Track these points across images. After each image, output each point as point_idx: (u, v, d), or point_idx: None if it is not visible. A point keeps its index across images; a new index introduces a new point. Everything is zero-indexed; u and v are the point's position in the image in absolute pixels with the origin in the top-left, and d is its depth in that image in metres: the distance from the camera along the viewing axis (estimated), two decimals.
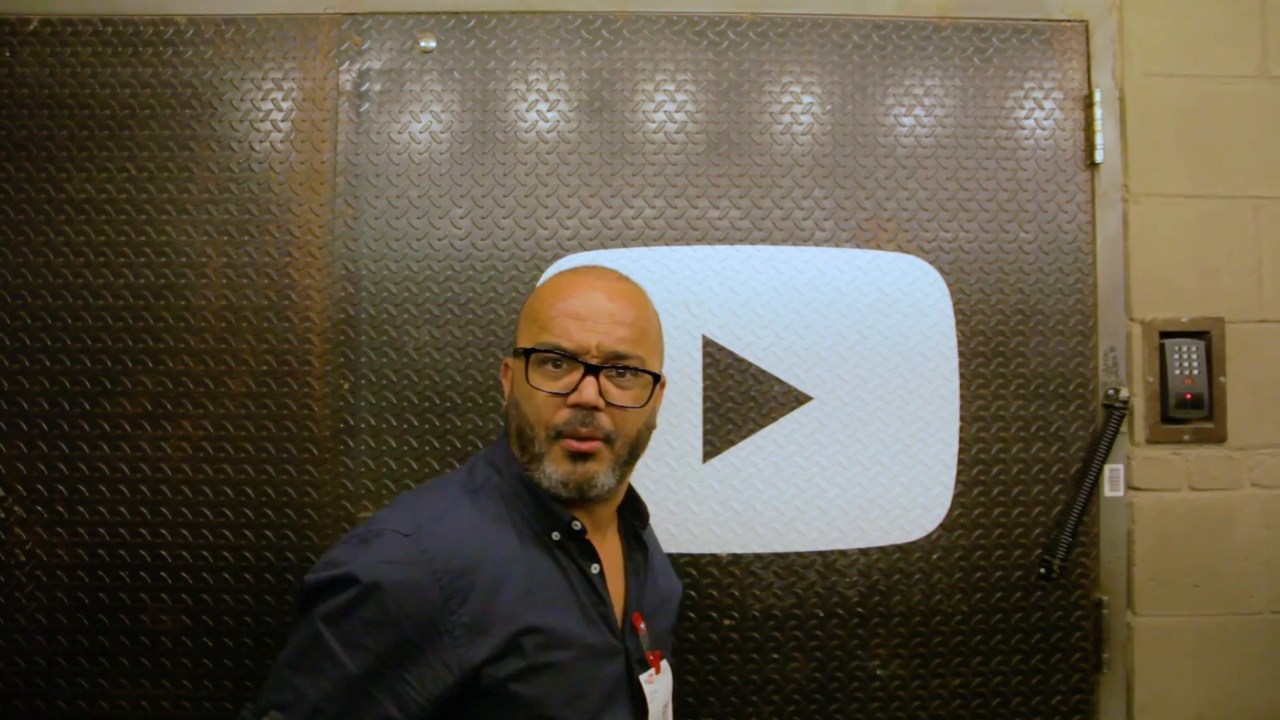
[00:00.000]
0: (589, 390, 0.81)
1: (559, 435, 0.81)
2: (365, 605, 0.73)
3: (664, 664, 0.91)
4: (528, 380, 0.82)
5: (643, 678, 0.86)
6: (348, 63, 1.28)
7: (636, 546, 0.95)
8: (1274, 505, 1.32)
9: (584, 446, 0.81)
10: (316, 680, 0.72)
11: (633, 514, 0.95)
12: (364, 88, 1.28)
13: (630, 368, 0.83)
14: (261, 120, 1.27)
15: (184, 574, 1.23)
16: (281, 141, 1.27)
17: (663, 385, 0.89)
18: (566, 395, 0.81)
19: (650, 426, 0.89)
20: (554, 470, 0.82)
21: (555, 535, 0.84)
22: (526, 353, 0.83)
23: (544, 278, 1.25)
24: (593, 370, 0.81)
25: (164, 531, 1.23)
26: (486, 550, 0.79)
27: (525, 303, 0.91)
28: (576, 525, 0.84)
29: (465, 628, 0.75)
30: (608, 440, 0.82)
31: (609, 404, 0.82)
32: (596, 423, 0.81)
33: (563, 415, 0.81)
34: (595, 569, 0.85)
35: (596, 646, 0.83)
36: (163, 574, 1.23)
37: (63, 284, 1.25)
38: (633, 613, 0.88)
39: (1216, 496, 1.32)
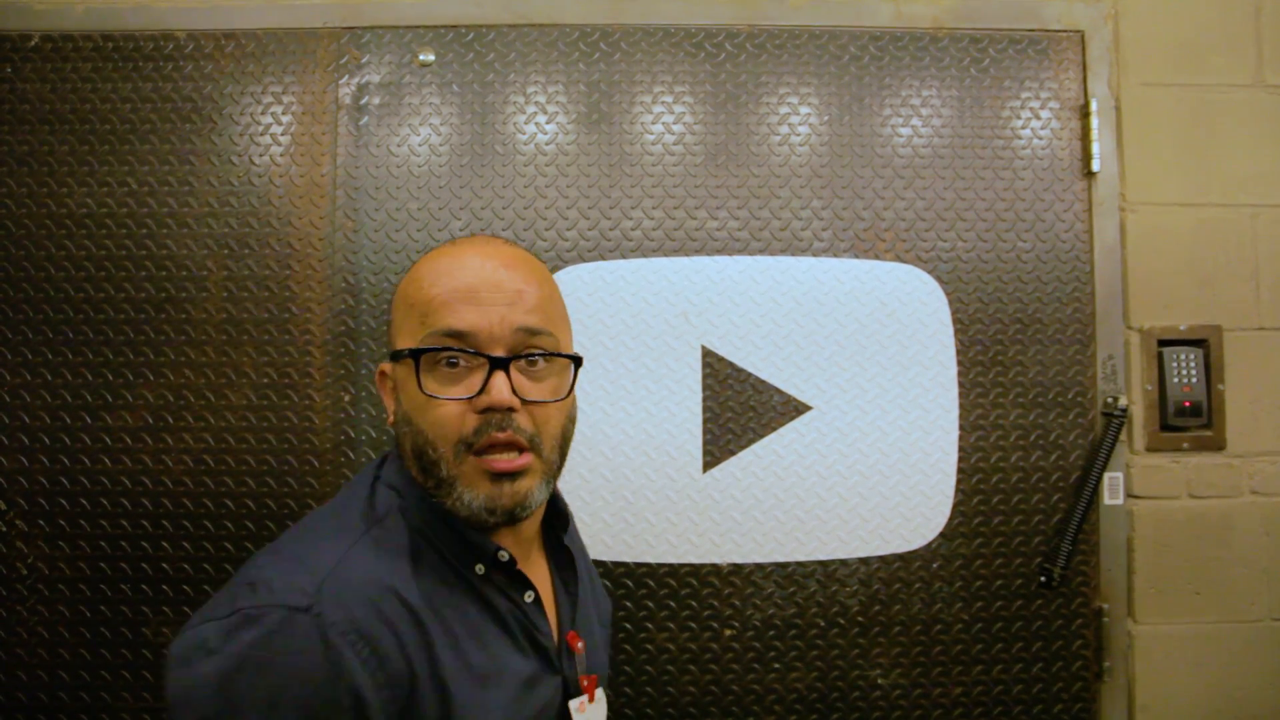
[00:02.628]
0: (501, 389, 0.65)
1: (470, 449, 0.66)
2: (261, 689, 0.56)
3: (599, 693, 0.78)
4: (421, 389, 0.66)
5: (573, 705, 0.73)
6: (347, 76, 1.29)
7: (561, 555, 0.79)
8: (1274, 513, 1.32)
9: (508, 464, 0.66)
10: None
11: (553, 515, 0.79)
12: (363, 101, 1.28)
13: (544, 352, 0.68)
14: (261, 134, 1.28)
15: (185, 587, 1.23)
16: (281, 155, 1.28)
17: (578, 367, 0.73)
18: (472, 399, 0.65)
19: (572, 419, 0.74)
20: (472, 497, 0.66)
21: (479, 569, 0.69)
22: (415, 354, 0.66)
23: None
24: (500, 364, 0.65)
25: (165, 544, 1.23)
26: (401, 596, 0.63)
27: (396, 291, 0.73)
28: (504, 556, 0.69)
29: (389, 689, 0.60)
30: (533, 447, 0.67)
31: (525, 401, 0.67)
32: (516, 425, 0.66)
33: (471, 423, 0.65)
34: (530, 596, 0.72)
35: (529, 677, 0.70)
36: (164, 587, 1.23)
37: (64, 298, 1.25)
38: (567, 632, 0.76)
39: (1216, 504, 1.32)
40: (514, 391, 0.66)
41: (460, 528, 0.68)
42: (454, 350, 0.66)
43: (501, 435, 0.65)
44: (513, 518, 0.68)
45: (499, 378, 0.65)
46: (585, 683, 0.75)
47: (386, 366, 0.73)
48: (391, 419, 0.72)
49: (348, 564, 0.63)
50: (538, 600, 0.73)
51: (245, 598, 0.59)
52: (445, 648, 0.64)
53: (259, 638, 0.57)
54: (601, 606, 0.89)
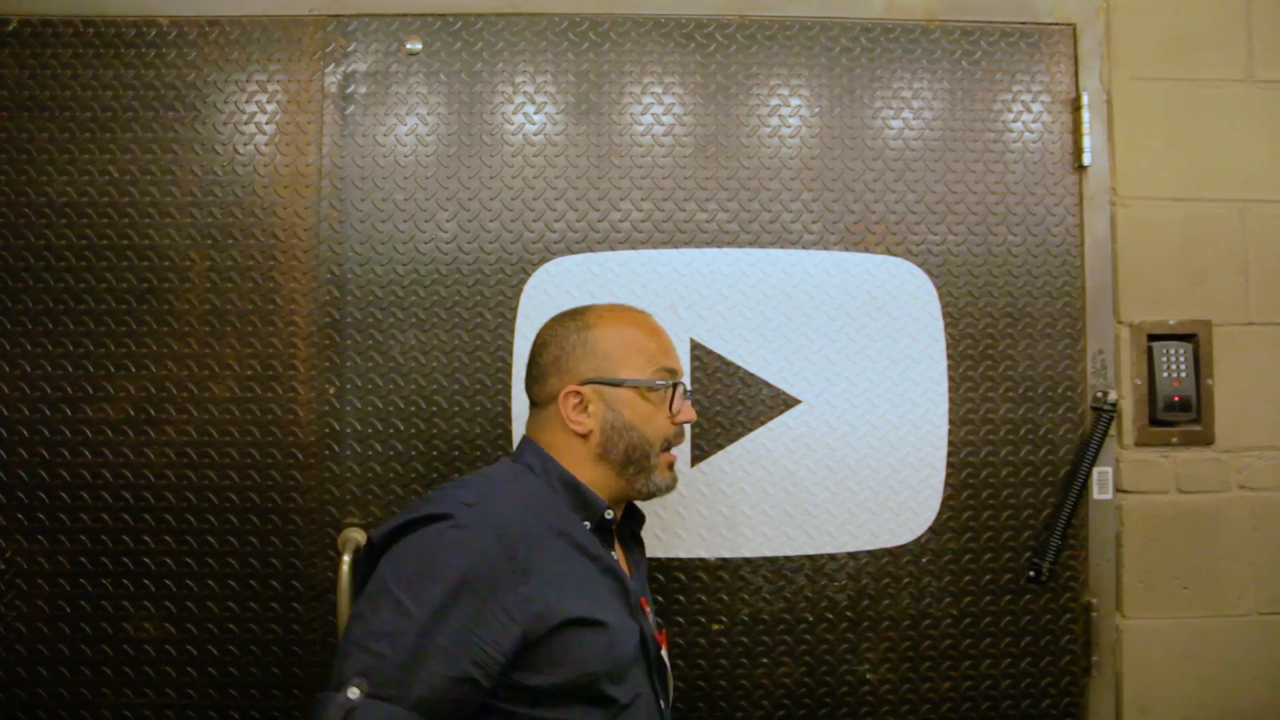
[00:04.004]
0: (692, 409, 1.00)
1: (667, 448, 0.97)
2: (433, 562, 0.79)
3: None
4: (670, 409, 0.97)
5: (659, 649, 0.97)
6: (333, 65, 1.27)
7: (634, 543, 1.06)
8: (1262, 507, 1.32)
9: (673, 457, 0.99)
10: (394, 641, 0.75)
11: (629, 515, 1.05)
12: (349, 90, 1.27)
13: (688, 385, 1.03)
14: (246, 123, 1.26)
15: (167, 581, 1.21)
16: (266, 144, 1.26)
17: None
18: (676, 413, 0.97)
19: None
20: (662, 478, 0.97)
21: (586, 523, 0.92)
22: (671, 385, 0.97)
23: (531, 283, 1.25)
24: (688, 394, 1.01)
25: (147, 538, 1.22)
26: (534, 520, 0.87)
27: (606, 337, 0.97)
28: (609, 515, 0.94)
29: (523, 575, 0.81)
30: None
31: None
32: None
33: (672, 429, 0.97)
34: (613, 555, 0.95)
35: (620, 621, 0.88)
36: (146, 581, 1.21)
37: (43, 288, 1.23)
38: (639, 598, 0.95)
39: (1205, 499, 1.32)
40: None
41: (583, 490, 0.93)
42: (678, 382, 0.98)
43: (679, 439, 1.00)
44: (668, 491, 0.99)
45: (688, 402, 1.00)
46: (657, 635, 0.97)
47: (585, 390, 0.96)
48: (585, 429, 0.95)
49: (496, 493, 0.89)
50: (619, 562, 0.96)
51: (422, 506, 0.86)
52: (562, 564, 0.86)
53: (443, 516, 0.83)
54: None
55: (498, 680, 0.79)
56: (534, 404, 0.99)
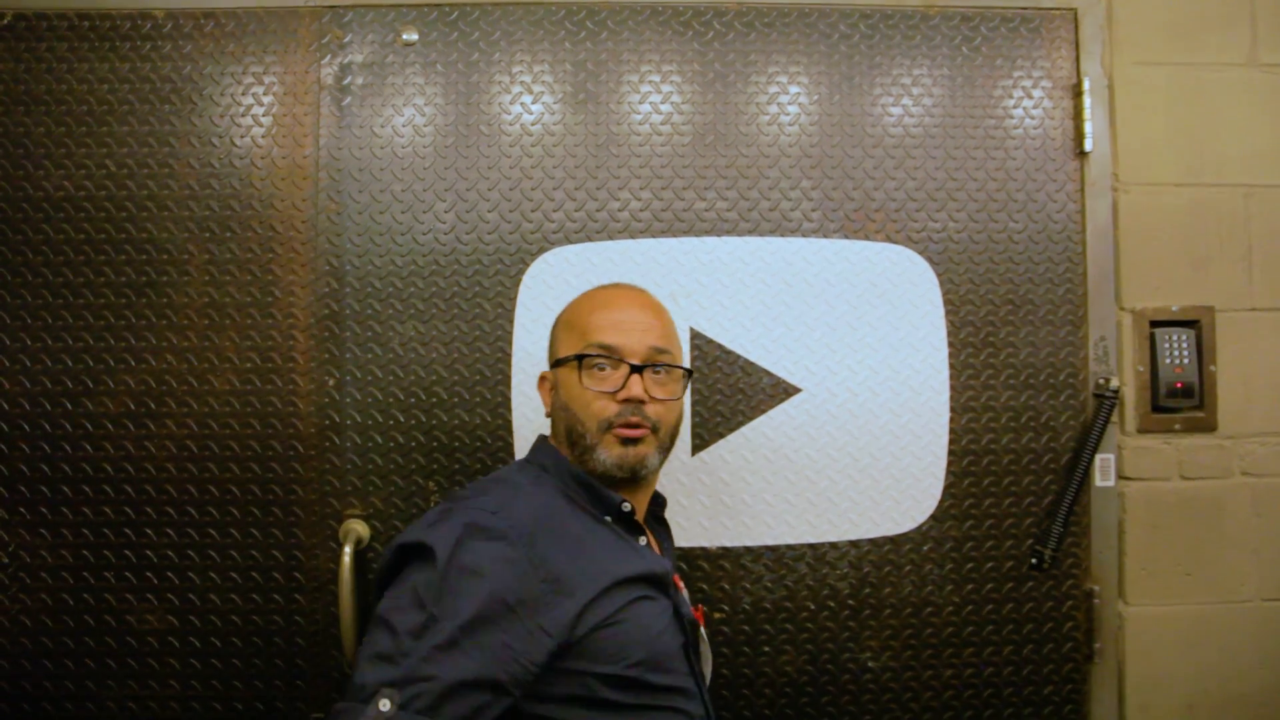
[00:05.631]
0: (636, 386, 0.91)
1: (609, 427, 0.91)
2: (462, 575, 0.78)
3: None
4: (581, 383, 0.92)
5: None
6: (329, 56, 1.26)
7: (660, 527, 1.08)
8: (1264, 494, 1.32)
9: (633, 433, 0.91)
10: (423, 654, 0.74)
11: (653, 501, 1.05)
12: (346, 81, 1.26)
13: (666, 364, 0.94)
14: (242, 115, 1.26)
15: (170, 574, 1.22)
16: (263, 136, 1.26)
17: (689, 377, 1.01)
18: (615, 393, 0.91)
19: (680, 416, 1.00)
20: (607, 455, 0.91)
21: (607, 518, 0.92)
22: (579, 358, 0.92)
23: (530, 273, 1.25)
24: (636, 369, 0.92)
25: (149, 531, 1.22)
26: (559, 523, 0.87)
27: (557, 319, 1.01)
28: (626, 507, 0.93)
29: (552, 582, 0.80)
30: (654, 430, 0.93)
31: (651, 398, 0.92)
32: (644, 414, 0.92)
33: (612, 409, 0.91)
34: (643, 541, 0.95)
35: (651, 594, 0.89)
36: (148, 574, 1.22)
37: (42, 283, 1.23)
38: (672, 575, 0.96)
39: (1207, 485, 1.32)
40: (644, 390, 0.91)
41: (596, 486, 0.92)
42: (604, 357, 0.92)
43: (633, 419, 0.91)
44: (634, 474, 0.92)
45: (635, 378, 0.91)
46: (694, 612, 0.97)
47: (547, 373, 1.00)
48: (548, 411, 0.99)
49: (518, 499, 0.87)
50: (649, 546, 0.95)
51: (445, 515, 0.84)
52: (598, 555, 0.85)
53: (467, 529, 0.82)
54: None
55: (528, 690, 0.78)
56: None
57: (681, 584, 1.00)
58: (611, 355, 0.92)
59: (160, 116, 1.25)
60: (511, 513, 0.84)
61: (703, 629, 0.98)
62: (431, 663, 0.73)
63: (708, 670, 1.00)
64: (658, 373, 0.94)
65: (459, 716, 0.73)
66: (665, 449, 0.96)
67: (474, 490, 0.92)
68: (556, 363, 0.97)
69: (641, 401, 0.91)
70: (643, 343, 0.93)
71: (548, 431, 1.01)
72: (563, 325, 0.99)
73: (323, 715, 1.21)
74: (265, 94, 1.26)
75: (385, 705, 0.71)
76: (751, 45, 1.30)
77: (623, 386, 0.91)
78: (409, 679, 0.73)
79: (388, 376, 1.24)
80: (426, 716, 0.72)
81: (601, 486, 0.92)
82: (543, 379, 1.02)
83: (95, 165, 1.24)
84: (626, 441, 0.91)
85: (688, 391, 1.24)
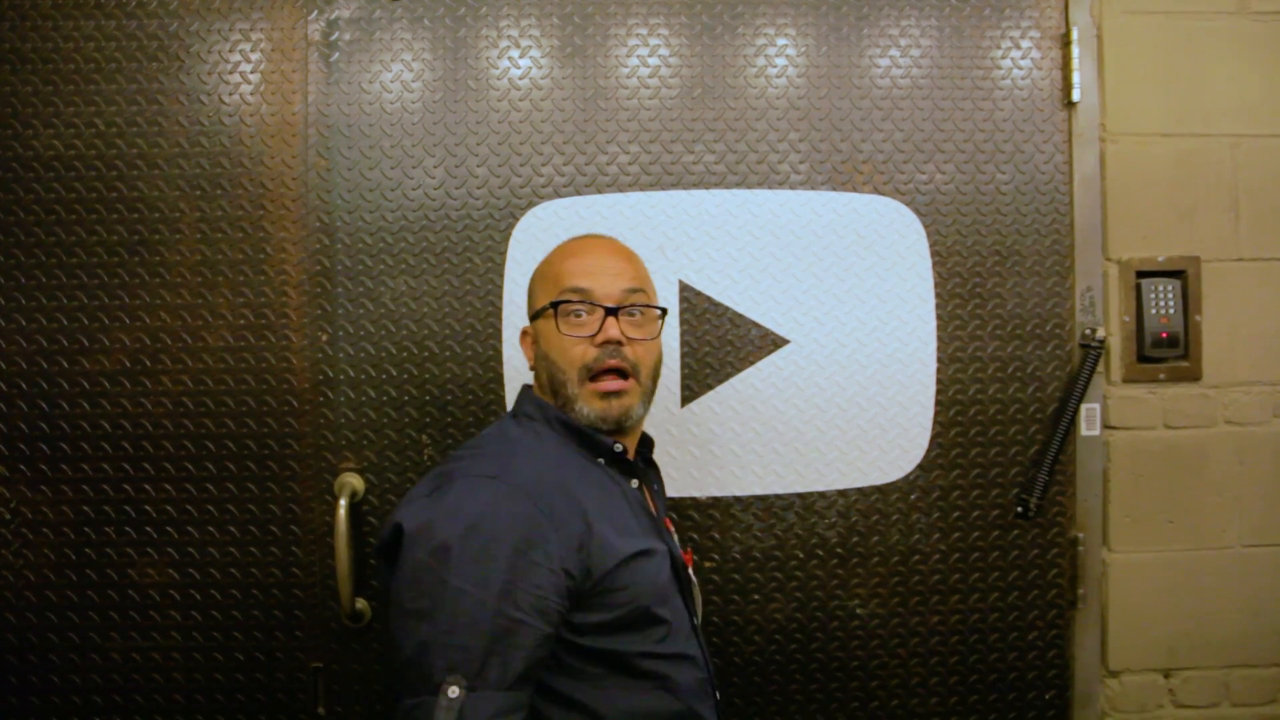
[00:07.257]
0: (613, 328, 0.91)
1: (590, 375, 0.91)
2: (486, 546, 0.78)
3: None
4: (558, 330, 0.92)
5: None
6: (316, 12, 1.26)
7: (648, 467, 1.08)
8: (1247, 442, 1.34)
9: (613, 387, 0.91)
10: (473, 630, 0.74)
11: (642, 441, 1.06)
12: (333, 37, 1.26)
13: (640, 305, 0.95)
14: (230, 72, 1.26)
15: (169, 528, 1.24)
16: (251, 93, 1.26)
17: (664, 316, 1.01)
18: (593, 337, 0.91)
19: (660, 357, 1.01)
20: (589, 409, 0.91)
21: (600, 460, 0.94)
22: (554, 305, 0.93)
23: (519, 228, 1.25)
24: (611, 311, 0.92)
25: (147, 487, 1.24)
26: (558, 473, 0.87)
27: (533, 274, 1.01)
28: (619, 448, 0.94)
29: (565, 528, 0.82)
30: (634, 373, 0.93)
31: (629, 339, 0.92)
32: (623, 355, 0.92)
33: (591, 354, 0.91)
34: (634, 484, 0.96)
35: (653, 547, 0.90)
36: (147, 528, 1.24)
37: (35, 242, 1.24)
38: (663, 519, 0.99)
39: (1191, 434, 1.33)
40: (621, 332, 0.91)
41: (585, 431, 0.93)
42: (578, 302, 0.92)
43: (612, 361, 0.91)
44: (620, 425, 0.93)
45: (610, 320, 0.92)
46: (685, 556, 0.99)
47: (527, 327, 1.00)
48: (531, 364, 0.99)
49: (516, 455, 0.88)
50: (641, 488, 0.97)
51: (445, 482, 0.85)
52: (597, 512, 0.86)
53: (472, 494, 0.83)
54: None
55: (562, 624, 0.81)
56: None
57: (672, 526, 1.02)
58: (586, 299, 0.92)
59: (148, 74, 1.25)
60: (512, 472, 0.84)
61: (690, 570, 1.00)
62: (483, 636, 0.74)
63: (699, 611, 1.02)
64: (633, 314, 0.94)
65: (521, 674, 0.75)
66: (649, 393, 0.97)
67: (470, 450, 0.92)
68: (535, 315, 0.98)
69: (619, 343, 0.91)
70: (615, 285, 0.93)
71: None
72: (538, 278, 1.00)
73: (321, 665, 1.24)
74: (253, 50, 1.26)
75: (455, 691, 0.72)
76: None
77: (599, 330, 0.91)
78: (467, 660, 0.73)
79: (380, 331, 1.25)
80: (496, 689, 0.73)
81: (591, 430, 0.93)
82: (524, 334, 1.02)
83: (84, 124, 1.25)
84: (607, 395, 0.91)
85: (675, 338, 1.26)
